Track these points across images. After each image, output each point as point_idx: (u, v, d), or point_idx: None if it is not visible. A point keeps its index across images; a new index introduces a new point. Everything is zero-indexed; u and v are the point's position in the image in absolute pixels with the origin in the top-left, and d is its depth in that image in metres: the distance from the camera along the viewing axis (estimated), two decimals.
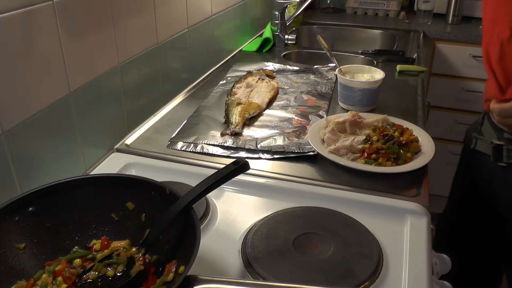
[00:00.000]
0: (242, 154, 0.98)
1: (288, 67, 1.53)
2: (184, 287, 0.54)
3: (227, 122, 1.10)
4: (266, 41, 1.79)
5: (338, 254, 0.70)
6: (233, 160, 0.68)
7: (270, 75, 1.40)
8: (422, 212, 0.81)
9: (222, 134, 1.05)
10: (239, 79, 1.36)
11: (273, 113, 1.18)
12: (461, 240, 1.32)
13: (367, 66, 1.28)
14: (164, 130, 1.09)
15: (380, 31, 2.10)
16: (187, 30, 1.30)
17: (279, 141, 1.01)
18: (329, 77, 1.43)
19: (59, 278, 0.61)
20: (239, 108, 1.14)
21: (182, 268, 0.59)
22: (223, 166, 0.67)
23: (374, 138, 0.96)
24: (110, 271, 0.63)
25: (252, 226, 0.77)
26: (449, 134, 2.22)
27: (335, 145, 0.96)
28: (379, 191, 0.86)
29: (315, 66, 1.52)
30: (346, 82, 1.19)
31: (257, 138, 1.04)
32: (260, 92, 1.25)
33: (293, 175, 0.91)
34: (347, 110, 1.19)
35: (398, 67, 1.51)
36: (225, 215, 0.82)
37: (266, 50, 1.76)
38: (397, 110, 1.18)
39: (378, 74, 1.23)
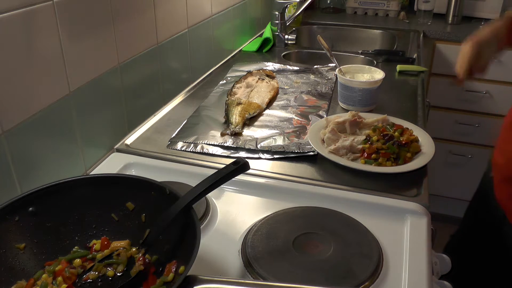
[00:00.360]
0: (242, 154, 0.98)
1: (288, 67, 1.53)
2: (184, 287, 0.54)
3: (227, 122, 1.10)
4: (266, 41, 1.79)
5: (338, 254, 0.70)
6: (233, 160, 0.68)
7: (270, 75, 1.40)
8: (422, 212, 0.81)
9: (222, 134, 1.05)
10: (239, 79, 1.36)
11: (273, 113, 1.18)
12: (467, 264, 1.27)
13: (367, 66, 1.28)
14: (164, 130, 1.09)
15: (380, 31, 2.10)
16: (187, 30, 1.30)
17: (279, 141, 1.01)
18: (329, 77, 1.43)
19: (59, 278, 0.61)
20: (239, 108, 1.14)
21: (182, 268, 0.59)
22: (223, 166, 0.67)
23: (374, 138, 0.96)
24: (110, 271, 0.63)
25: (252, 226, 0.77)
26: (449, 134, 2.22)
27: (335, 145, 0.96)
28: (379, 191, 0.86)
29: (315, 66, 1.52)
30: (346, 82, 1.19)
31: (257, 138, 1.04)
32: (260, 92, 1.25)
33: (293, 175, 0.91)
34: (347, 110, 1.19)
35: (398, 67, 1.51)
36: (225, 215, 0.82)
37: (266, 50, 1.76)
38: (397, 110, 1.18)
39: (378, 74, 1.23)
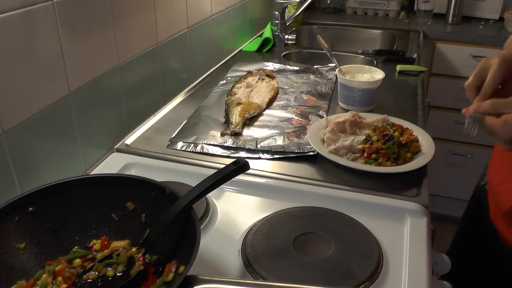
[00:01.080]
0: (242, 154, 0.98)
1: (288, 67, 1.53)
2: (184, 287, 0.54)
3: (227, 122, 1.10)
4: (266, 41, 1.79)
5: (338, 254, 0.70)
6: (233, 160, 0.68)
7: (270, 75, 1.40)
8: (422, 212, 0.81)
9: (222, 134, 1.05)
10: (239, 79, 1.36)
11: (273, 113, 1.18)
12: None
13: (367, 66, 1.28)
14: (164, 130, 1.09)
15: (380, 31, 2.10)
16: (187, 30, 1.30)
17: (279, 141, 1.01)
18: (329, 77, 1.43)
19: (59, 278, 0.61)
20: (239, 108, 1.14)
21: (182, 268, 0.59)
22: (223, 166, 0.67)
23: (374, 138, 0.96)
24: (110, 271, 0.63)
25: (252, 226, 0.77)
26: (449, 134, 2.22)
27: (335, 145, 0.96)
28: (379, 191, 0.86)
29: (315, 66, 1.52)
30: (346, 82, 1.19)
31: (257, 138, 1.04)
32: (260, 92, 1.25)
33: (293, 175, 0.91)
34: (347, 110, 1.19)
35: (398, 67, 1.51)
36: (225, 215, 0.82)
37: (266, 50, 1.76)
38: (397, 110, 1.18)
39: (378, 74, 1.23)
